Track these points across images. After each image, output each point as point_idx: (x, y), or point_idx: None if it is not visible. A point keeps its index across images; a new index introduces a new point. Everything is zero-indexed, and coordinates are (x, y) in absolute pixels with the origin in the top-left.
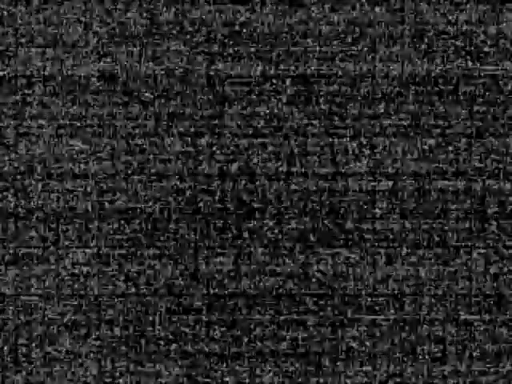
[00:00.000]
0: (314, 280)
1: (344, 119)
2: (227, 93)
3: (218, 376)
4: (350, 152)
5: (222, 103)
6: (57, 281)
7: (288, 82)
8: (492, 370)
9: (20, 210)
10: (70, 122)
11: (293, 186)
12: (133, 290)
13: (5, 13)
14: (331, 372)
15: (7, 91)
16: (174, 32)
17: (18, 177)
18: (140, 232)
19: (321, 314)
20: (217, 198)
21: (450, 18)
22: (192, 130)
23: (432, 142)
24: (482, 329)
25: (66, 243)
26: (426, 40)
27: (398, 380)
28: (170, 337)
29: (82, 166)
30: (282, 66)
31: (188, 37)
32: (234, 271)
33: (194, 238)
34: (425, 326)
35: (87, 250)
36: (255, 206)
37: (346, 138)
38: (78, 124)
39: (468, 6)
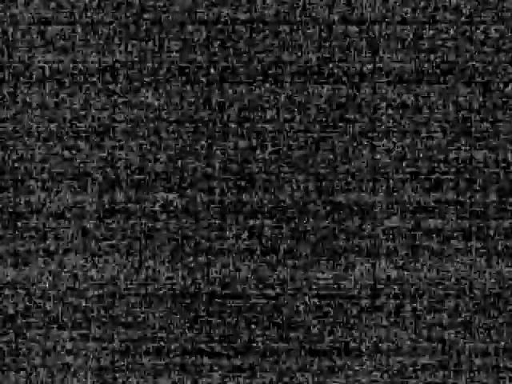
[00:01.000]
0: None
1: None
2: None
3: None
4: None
5: (221, 103)
6: (56, 280)
7: (288, 81)
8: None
9: (20, 210)
10: (70, 122)
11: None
12: (133, 290)
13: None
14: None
15: (7, 91)
16: (175, 30)
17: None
18: (140, 232)
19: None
20: (217, 198)
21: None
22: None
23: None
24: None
25: (66, 243)
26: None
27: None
28: (171, 337)
29: (82, 166)
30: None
31: (188, 36)
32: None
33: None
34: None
35: (87, 250)
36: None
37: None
38: (78, 124)
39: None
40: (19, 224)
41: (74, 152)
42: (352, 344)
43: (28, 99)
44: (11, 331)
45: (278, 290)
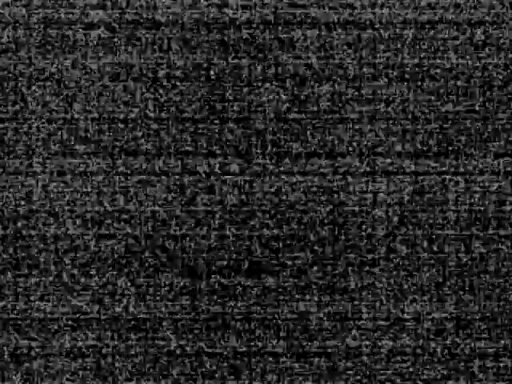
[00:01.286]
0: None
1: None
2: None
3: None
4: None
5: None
6: (56, 279)
7: (288, 81)
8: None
9: (20, 209)
10: (70, 121)
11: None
12: (133, 290)
13: (6, 13)
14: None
15: (7, 91)
16: (176, 30)
17: (19, 177)
18: (140, 232)
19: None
20: (217, 197)
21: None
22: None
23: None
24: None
25: (66, 242)
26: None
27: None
28: (171, 336)
29: (82, 165)
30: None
31: (188, 36)
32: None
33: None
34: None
35: (87, 250)
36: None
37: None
38: (79, 123)
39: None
40: (19, 224)
41: (73, 152)
42: (352, 344)
43: (29, 99)
44: (11, 331)
45: (277, 293)
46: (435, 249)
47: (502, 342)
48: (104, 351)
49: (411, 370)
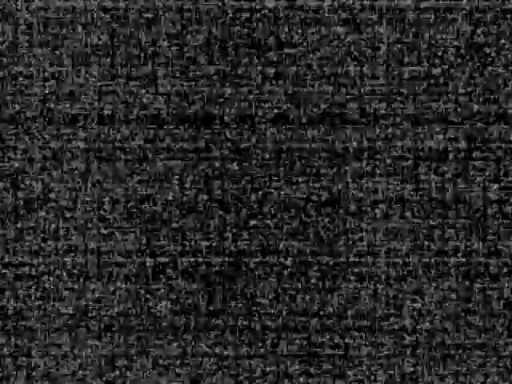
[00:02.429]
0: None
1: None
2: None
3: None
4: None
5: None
6: (56, 280)
7: (288, 82)
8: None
9: (20, 208)
10: (70, 122)
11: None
12: (132, 290)
13: (5, 11)
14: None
15: (7, 92)
16: (173, 31)
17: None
18: (139, 232)
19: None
20: (217, 197)
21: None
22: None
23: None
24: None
25: (66, 242)
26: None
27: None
28: (171, 337)
29: (82, 165)
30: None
31: (188, 36)
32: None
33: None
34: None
35: (87, 250)
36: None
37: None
38: (79, 124)
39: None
40: (19, 224)
41: (72, 150)
42: (352, 345)
43: (27, 99)
44: (11, 331)
45: (277, 294)
46: None
47: None
48: (104, 352)
49: None
